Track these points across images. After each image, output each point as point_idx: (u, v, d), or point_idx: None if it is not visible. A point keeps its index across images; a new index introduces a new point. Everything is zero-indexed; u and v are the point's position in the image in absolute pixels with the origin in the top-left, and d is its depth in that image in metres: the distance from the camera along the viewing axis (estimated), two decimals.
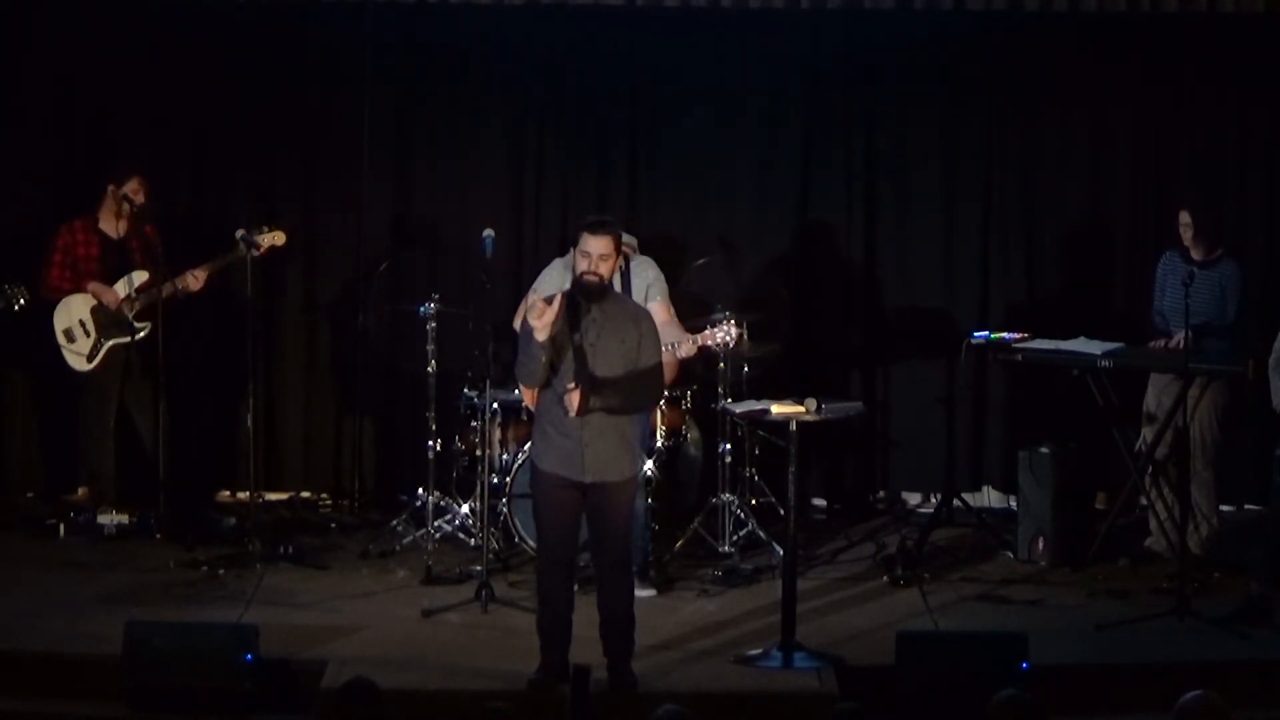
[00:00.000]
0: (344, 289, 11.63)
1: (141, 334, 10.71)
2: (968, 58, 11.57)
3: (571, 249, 8.66)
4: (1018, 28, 11.47)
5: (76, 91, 11.40)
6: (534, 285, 9.91)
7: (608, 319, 8.45)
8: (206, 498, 11.32)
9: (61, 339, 10.74)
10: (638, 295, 9.83)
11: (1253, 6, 11.24)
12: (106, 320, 10.73)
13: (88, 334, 10.73)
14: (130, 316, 10.71)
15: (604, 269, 8.43)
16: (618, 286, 9.72)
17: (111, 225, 10.81)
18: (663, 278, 10.03)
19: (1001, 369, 11.30)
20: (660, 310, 9.86)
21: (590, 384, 8.34)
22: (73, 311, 10.75)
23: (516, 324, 9.99)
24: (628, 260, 9.93)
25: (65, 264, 10.77)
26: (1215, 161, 11.57)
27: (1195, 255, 10.33)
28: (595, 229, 8.49)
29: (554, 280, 9.70)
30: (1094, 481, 10.97)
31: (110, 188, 10.75)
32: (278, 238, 10.64)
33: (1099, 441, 10.66)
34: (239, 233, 10.53)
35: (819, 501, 11.72)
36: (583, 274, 8.41)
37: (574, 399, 8.33)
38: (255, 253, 10.47)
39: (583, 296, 8.41)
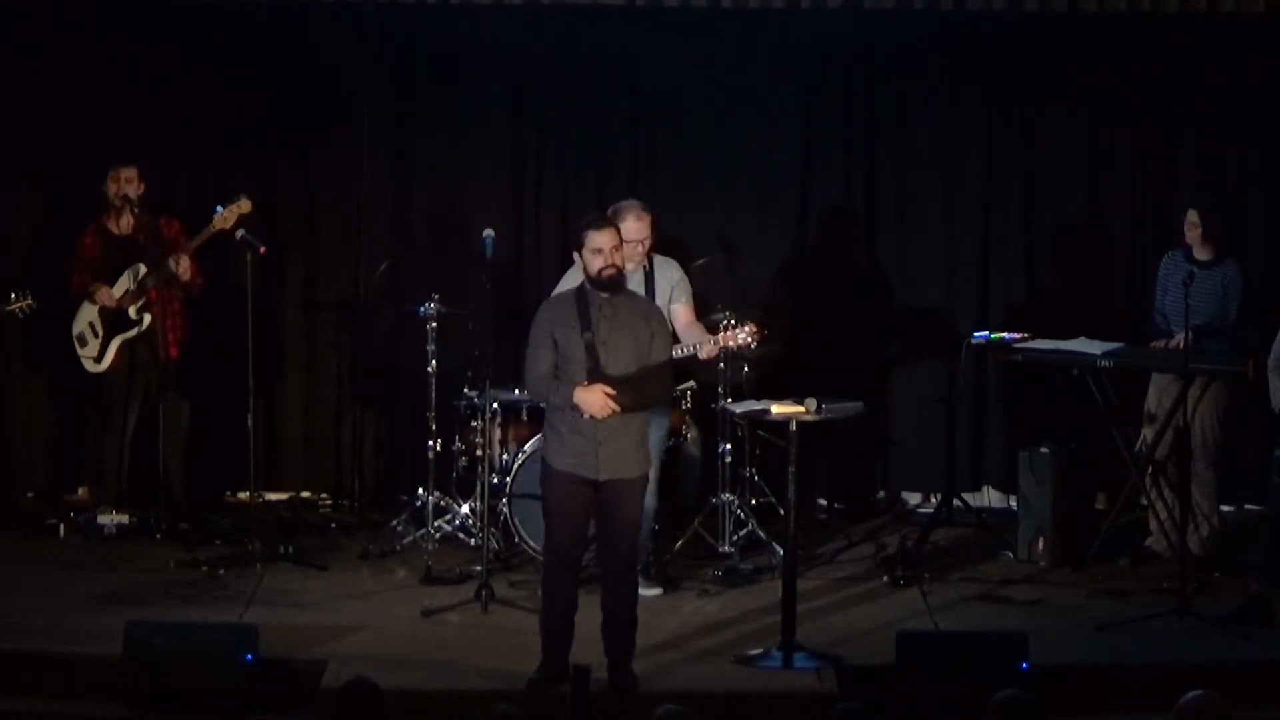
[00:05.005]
0: (344, 289, 11.63)
1: (140, 327, 10.69)
2: (968, 58, 11.57)
3: (576, 254, 8.60)
4: (1018, 28, 11.47)
5: (76, 92, 11.38)
6: (556, 290, 9.85)
7: (619, 316, 8.47)
8: (207, 498, 11.31)
9: (76, 344, 10.78)
10: (661, 295, 9.88)
11: (1253, 6, 11.22)
12: (110, 319, 10.74)
13: (96, 335, 10.75)
14: (130, 311, 10.71)
15: (618, 260, 8.49)
16: (641, 285, 9.77)
17: (116, 223, 10.82)
18: (687, 279, 10.05)
19: (1001, 369, 11.30)
20: (684, 312, 9.92)
21: (602, 383, 8.36)
22: (84, 316, 10.78)
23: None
24: (651, 260, 9.98)
25: (80, 268, 10.80)
26: (1215, 161, 11.57)
27: (1201, 255, 10.33)
28: (598, 224, 8.56)
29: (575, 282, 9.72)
30: (1094, 481, 10.97)
31: (99, 186, 10.75)
32: (244, 206, 10.61)
33: (1099, 441, 10.66)
34: (239, 233, 10.52)
35: (820, 501, 11.72)
36: (602, 270, 8.44)
37: (596, 400, 8.32)
38: (259, 253, 10.46)
39: (607, 292, 8.44)
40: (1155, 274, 10.62)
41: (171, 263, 10.60)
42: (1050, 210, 11.64)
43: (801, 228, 11.69)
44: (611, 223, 8.64)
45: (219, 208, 10.56)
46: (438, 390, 10.53)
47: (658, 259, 10.03)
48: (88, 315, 10.77)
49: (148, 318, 10.70)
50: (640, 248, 9.84)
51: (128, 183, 10.73)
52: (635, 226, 9.79)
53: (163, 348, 10.73)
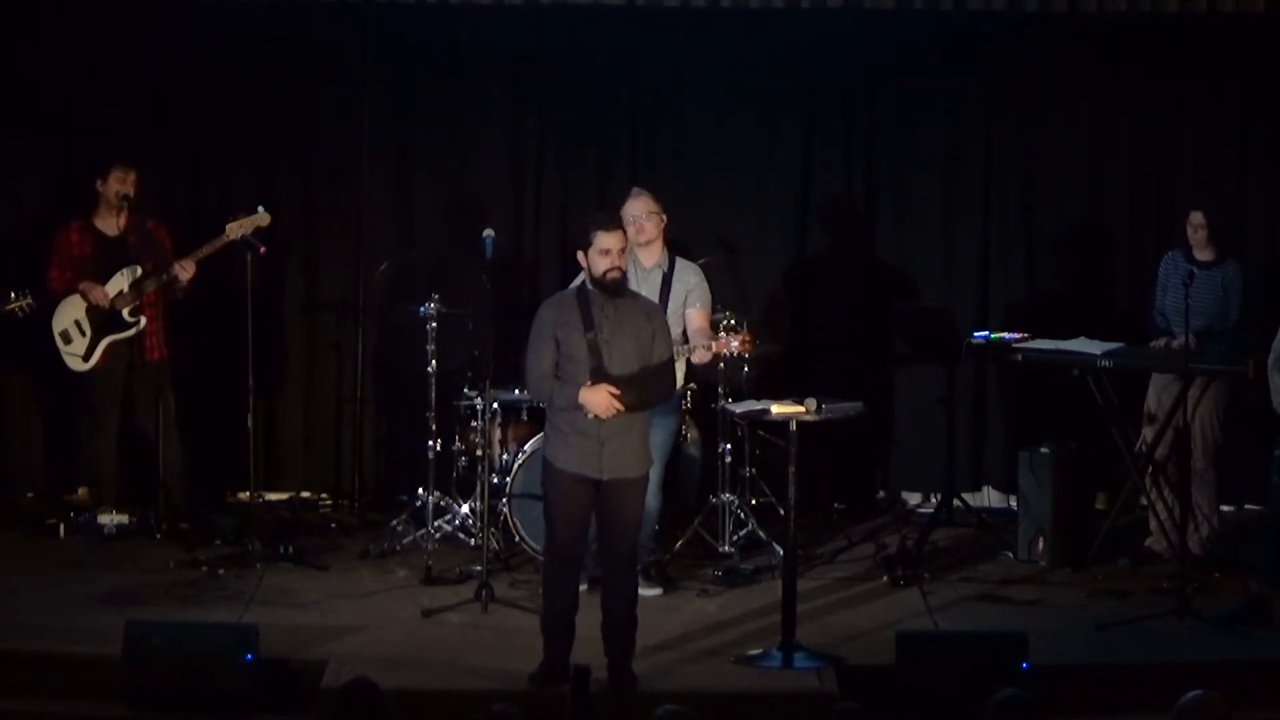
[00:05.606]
0: (344, 288, 11.63)
1: (135, 329, 10.69)
2: (968, 58, 11.57)
3: (580, 254, 8.58)
4: (1018, 28, 11.47)
5: (76, 91, 11.38)
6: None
7: (621, 315, 8.48)
8: (207, 498, 11.30)
9: (59, 341, 10.73)
10: (676, 298, 9.92)
11: (1253, 6, 11.22)
12: (100, 319, 10.72)
13: (83, 334, 10.72)
14: (124, 312, 10.70)
15: (623, 263, 8.51)
16: (657, 286, 9.81)
17: (107, 223, 10.80)
18: (705, 284, 10.06)
19: (1001, 369, 11.30)
20: (698, 317, 9.95)
21: (606, 383, 8.36)
22: (68, 313, 10.74)
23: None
24: (672, 262, 9.99)
25: (62, 265, 10.76)
26: (1215, 162, 11.57)
27: (1203, 256, 10.32)
28: (608, 225, 8.55)
29: None
30: (1094, 481, 10.96)
31: (98, 184, 10.74)
32: (262, 219, 10.60)
33: (1099, 441, 10.66)
34: (241, 234, 10.52)
35: (827, 501, 11.70)
36: (606, 272, 8.44)
37: (601, 401, 8.31)
38: (259, 253, 10.45)
39: (611, 293, 8.45)
40: (1155, 274, 10.62)
41: (178, 269, 10.60)
42: (1050, 210, 11.64)
43: (801, 228, 11.69)
44: (620, 225, 8.64)
45: (242, 233, 10.49)
46: (438, 390, 10.53)
47: (680, 262, 10.07)
48: (72, 313, 10.73)
49: (144, 320, 10.69)
50: (646, 223, 9.85)
51: (130, 184, 10.72)
52: (632, 204, 9.87)
53: (153, 349, 10.72)
